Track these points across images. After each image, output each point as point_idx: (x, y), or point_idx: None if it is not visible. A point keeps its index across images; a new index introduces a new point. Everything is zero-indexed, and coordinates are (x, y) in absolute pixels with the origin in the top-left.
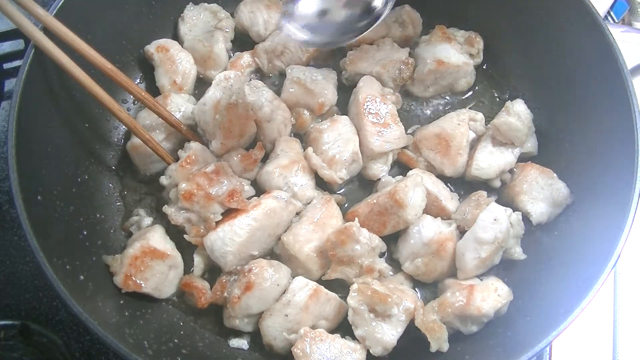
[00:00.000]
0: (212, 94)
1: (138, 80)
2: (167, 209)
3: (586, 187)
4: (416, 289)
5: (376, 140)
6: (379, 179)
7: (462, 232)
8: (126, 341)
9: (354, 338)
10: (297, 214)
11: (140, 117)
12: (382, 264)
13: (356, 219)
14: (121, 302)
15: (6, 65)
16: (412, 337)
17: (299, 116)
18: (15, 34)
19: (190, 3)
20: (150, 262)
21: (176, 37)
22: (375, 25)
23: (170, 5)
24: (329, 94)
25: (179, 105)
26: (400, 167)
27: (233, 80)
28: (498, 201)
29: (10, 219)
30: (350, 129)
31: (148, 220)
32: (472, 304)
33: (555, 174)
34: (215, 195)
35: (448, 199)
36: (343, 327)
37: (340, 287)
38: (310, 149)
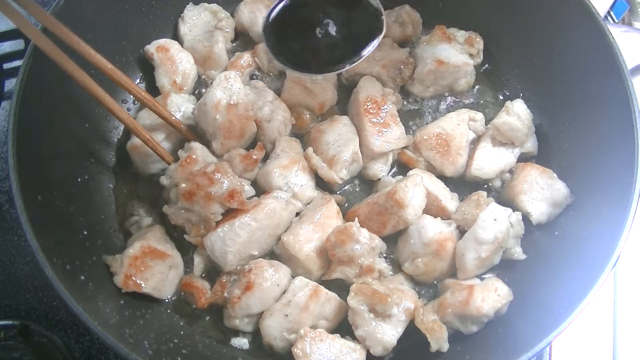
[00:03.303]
0: (212, 94)
1: (138, 80)
2: (167, 209)
3: (586, 187)
4: (416, 289)
5: (376, 140)
6: (379, 179)
7: (462, 232)
8: (126, 341)
9: (354, 338)
10: (297, 214)
11: (140, 117)
12: (382, 264)
13: (356, 219)
14: (121, 302)
15: (6, 65)
16: (413, 338)
17: (299, 116)
18: (15, 34)
19: (190, 3)
20: (150, 262)
21: (176, 37)
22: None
23: (170, 5)
24: (329, 94)
25: (179, 105)
26: (400, 167)
27: (233, 80)
28: (498, 201)
29: (10, 219)
30: (350, 129)
31: (148, 220)
32: (472, 304)
33: (555, 174)
34: (215, 195)
35: (448, 199)
36: (343, 327)
37: (340, 287)
38: (310, 149)
